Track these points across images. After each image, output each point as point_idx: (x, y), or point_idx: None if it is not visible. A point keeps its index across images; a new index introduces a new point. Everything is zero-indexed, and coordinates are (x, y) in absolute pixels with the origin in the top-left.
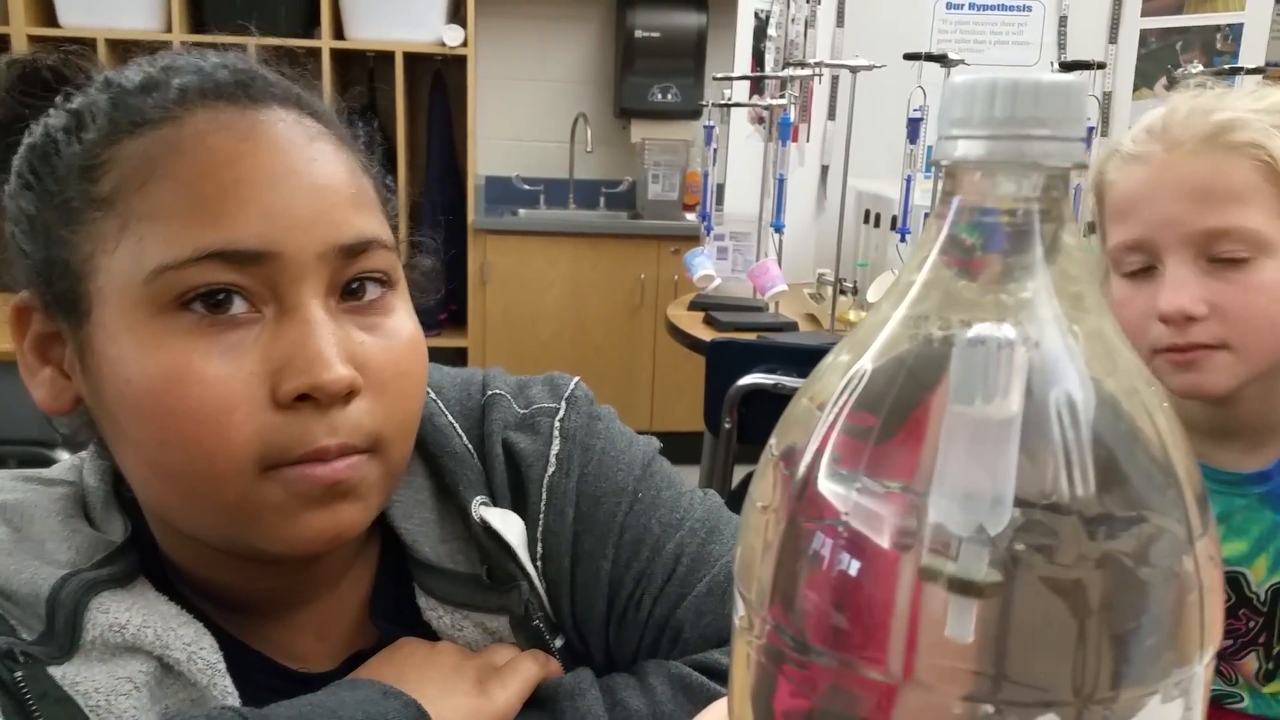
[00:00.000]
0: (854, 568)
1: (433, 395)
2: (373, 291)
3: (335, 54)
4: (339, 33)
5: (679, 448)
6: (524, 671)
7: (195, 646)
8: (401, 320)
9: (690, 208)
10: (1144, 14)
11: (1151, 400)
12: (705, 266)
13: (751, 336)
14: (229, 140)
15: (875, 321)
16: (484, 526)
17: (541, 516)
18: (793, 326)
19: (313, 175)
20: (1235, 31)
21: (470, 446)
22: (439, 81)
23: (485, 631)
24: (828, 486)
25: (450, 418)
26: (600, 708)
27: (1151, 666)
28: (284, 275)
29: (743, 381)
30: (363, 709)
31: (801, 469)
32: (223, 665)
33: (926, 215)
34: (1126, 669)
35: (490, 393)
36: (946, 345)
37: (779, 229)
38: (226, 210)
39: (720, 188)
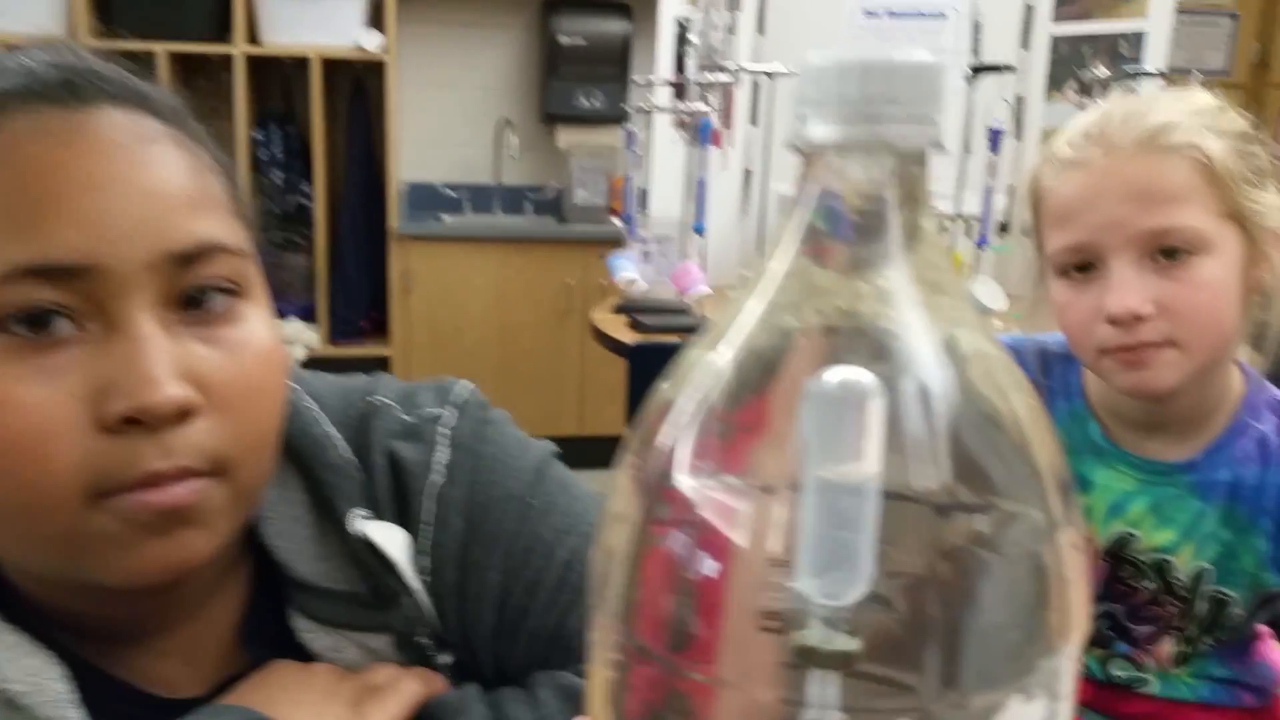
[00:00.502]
0: (702, 570)
1: (310, 404)
2: (218, 301)
3: (250, 61)
4: (253, 38)
5: (609, 452)
6: (405, 691)
7: (41, 677)
8: (252, 330)
9: (618, 213)
10: (1054, 20)
11: (1013, 390)
12: (628, 269)
13: (675, 339)
14: (49, 147)
15: (734, 313)
16: (364, 541)
17: (427, 529)
18: None
19: (143, 179)
20: (1138, 38)
21: (351, 457)
22: (359, 88)
23: (367, 652)
24: (676, 487)
25: (330, 428)
26: None
27: (1011, 663)
28: (107, 289)
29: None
30: None
31: (651, 469)
32: (71, 695)
33: None
34: (983, 667)
35: (374, 401)
36: (801, 338)
37: (700, 231)
38: (42, 223)
39: (644, 192)
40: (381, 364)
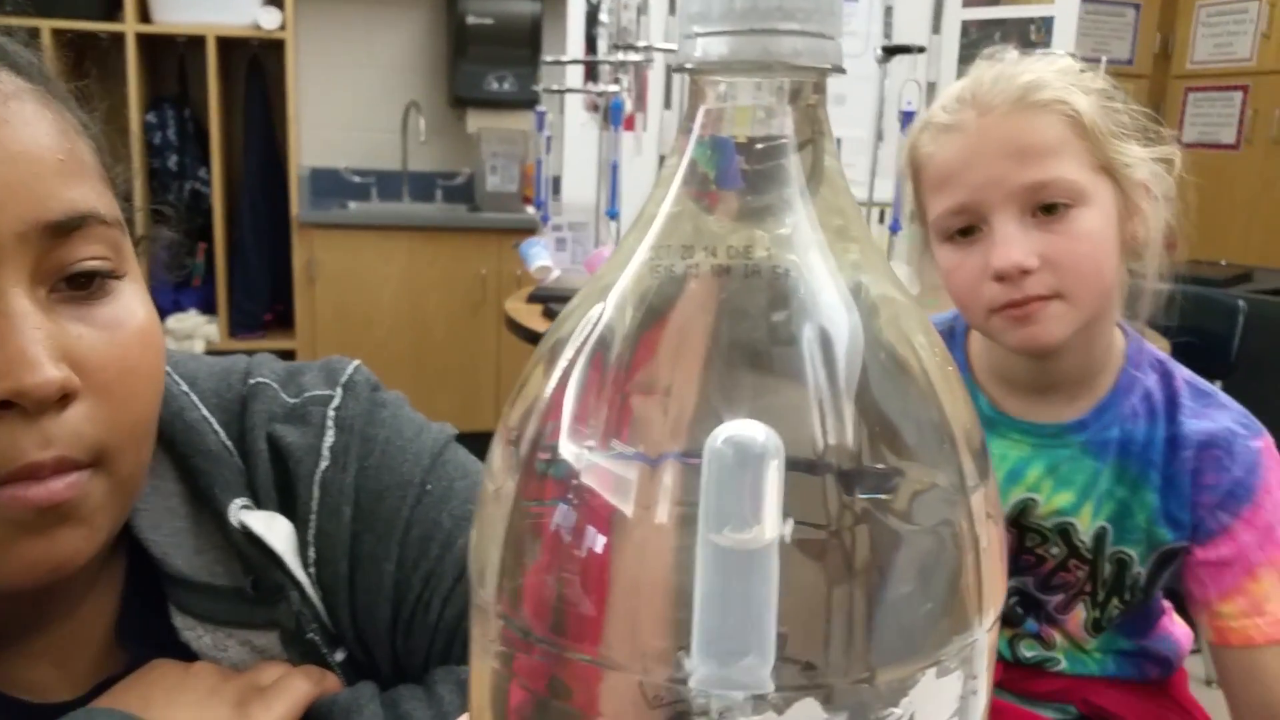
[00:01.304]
0: (584, 545)
1: (185, 388)
2: (93, 277)
3: (141, 39)
4: (145, 16)
5: None
6: (293, 690)
7: None
8: (129, 308)
9: (530, 201)
10: (965, 5)
11: (925, 341)
12: (542, 257)
13: None
14: None
15: (618, 260)
16: (245, 533)
17: (313, 517)
18: None
19: (7, 140)
20: (1047, 24)
21: (229, 443)
22: (256, 67)
23: (253, 650)
24: (556, 456)
25: (205, 412)
26: None
27: (924, 637)
28: None
29: None
30: None
31: (528, 437)
32: None
33: None
34: (893, 641)
35: (253, 382)
36: (692, 282)
37: (614, 216)
38: None
39: (557, 179)
40: (287, 357)
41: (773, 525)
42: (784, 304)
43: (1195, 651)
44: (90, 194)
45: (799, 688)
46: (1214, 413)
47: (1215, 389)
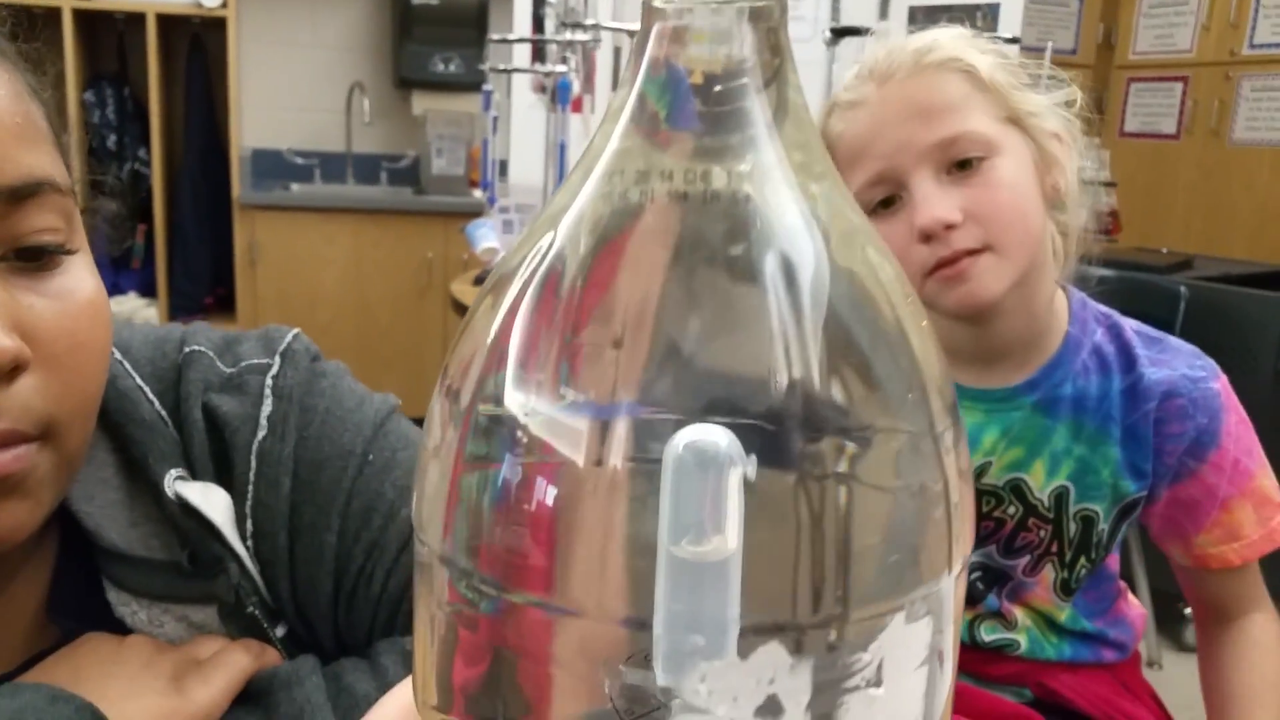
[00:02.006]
0: (533, 497)
1: (118, 356)
2: (45, 247)
3: (79, 15)
4: None
5: None
6: (232, 664)
7: None
8: (79, 278)
9: (477, 184)
10: None
11: (895, 286)
12: (489, 239)
13: None
14: None
15: (567, 190)
16: (181, 504)
17: (251, 488)
18: None
19: None
20: (992, 11)
21: (163, 413)
22: (198, 46)
23: (190, 625)
24: (500, 402)
25: (138, 380)
26: (321, 695)
27: (893, 579)
28: None
29: None
30: (22, 717)
31: (470, 385)
32: None
33: None
34: (861, 583)
35: (188, 350)
36: (646, 208)
37: None
38: None
39: (504, 161)
40: None
41: (735, 536)
42: (745, 232)
43: None
44: (45, 160)
45: (763, 631)
46: (1170, 358)
47: (1164, 334)
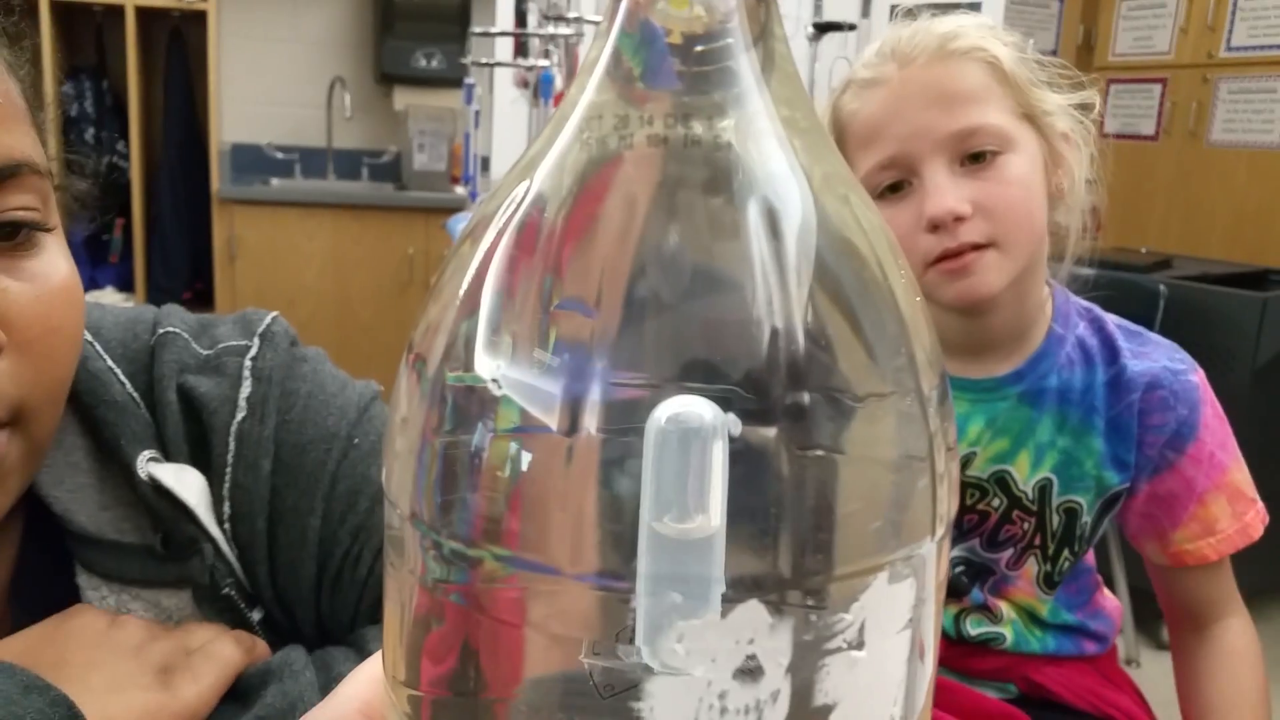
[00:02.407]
0: (509, 462)
1: (88, 337)
2: (22, 229)
3: (56, 7)
4: None
5: None
6: (222, 658)
7: None
8: (54, 262)
9: (459, 180)
10: None
11: (887, 249)
12: None
13: None
14: None
15: (543, 140)
16: (153, 486)
17: (229, 470)
18: None
19: None
20: (974, 11)
21: (135, 395)
22: (177, 39)
23: (159, 611)
24: (470, 367)
25: (109, 362)
26: (314, 691)
27: (876, 537)
28: None
29: None
30: None
31: (440, 346)
32: None
33: None
34: (844, 540)
35: (162, 331)
36: (625, 154)
37: None
38: None
39: (486, 157)
40: None
41: (719, 514)
42: (729, 177)
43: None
44: (25, 140)
45: (743, 589)
46: (1151, 350)
47: (1143, 329)
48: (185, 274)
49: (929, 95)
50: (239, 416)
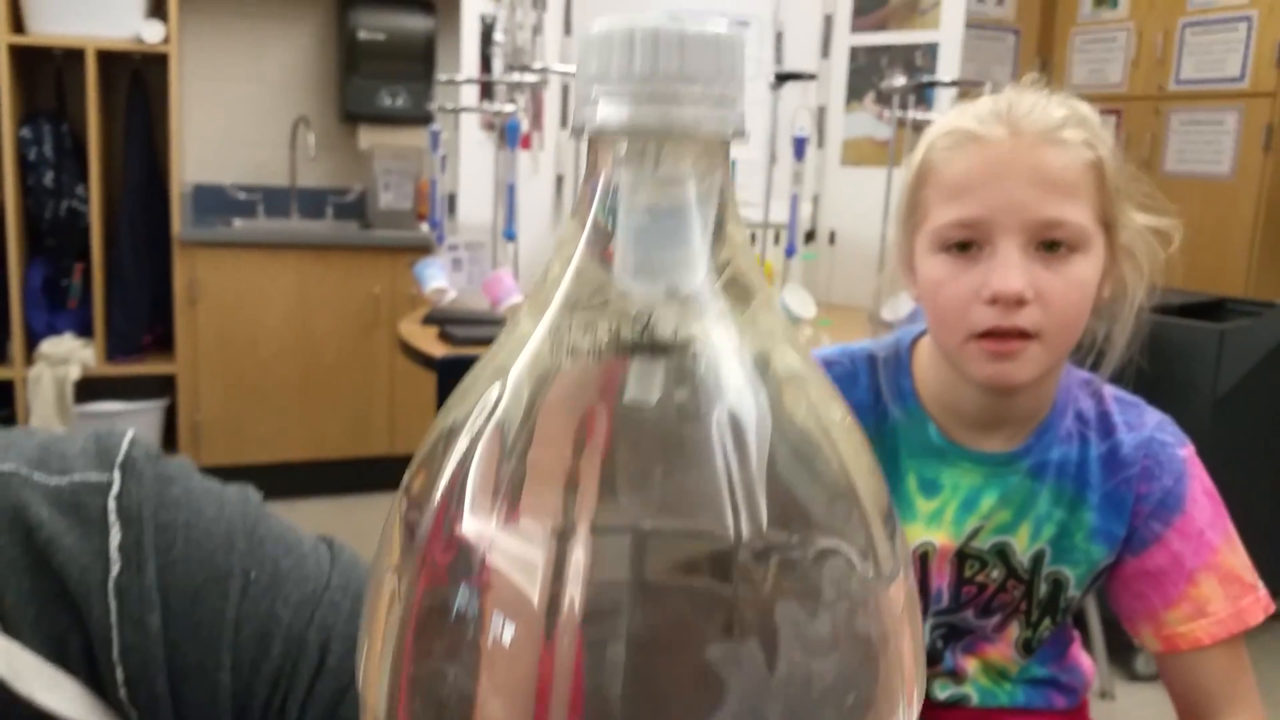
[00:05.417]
0: (495, 636)
1: None
2: None
3: (15, 51)
4: (18, 27)
5: None
6: None
7: None
8: None
9: (425, 218)
10: (853, 31)
11: (833, 416)
12: (438, 278)
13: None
14: None
15: (519, 329)
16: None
17: (114, 632)
18: None
19: None
20: (932, 50)
21: None
22: (138, 82)
23: None
24: (457, 536)
25: None
26: None
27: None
28: None
29: None
30: None
31: (427, 516)
32: None
33: None
34: None
35: None
36: (592, 360)
37: (511, 238)
38: None
39: (452, 197)
40: (166, 382)
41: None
42: (689, 386)
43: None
44: None
45: None
46: (1145, 420)
47: (1139, 400)
48: (145, 319)
49: (1030, 175)
50: (114, 571)
